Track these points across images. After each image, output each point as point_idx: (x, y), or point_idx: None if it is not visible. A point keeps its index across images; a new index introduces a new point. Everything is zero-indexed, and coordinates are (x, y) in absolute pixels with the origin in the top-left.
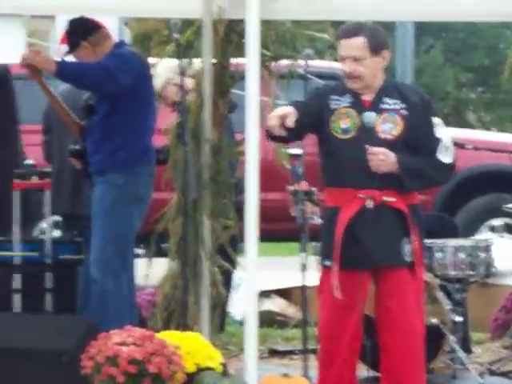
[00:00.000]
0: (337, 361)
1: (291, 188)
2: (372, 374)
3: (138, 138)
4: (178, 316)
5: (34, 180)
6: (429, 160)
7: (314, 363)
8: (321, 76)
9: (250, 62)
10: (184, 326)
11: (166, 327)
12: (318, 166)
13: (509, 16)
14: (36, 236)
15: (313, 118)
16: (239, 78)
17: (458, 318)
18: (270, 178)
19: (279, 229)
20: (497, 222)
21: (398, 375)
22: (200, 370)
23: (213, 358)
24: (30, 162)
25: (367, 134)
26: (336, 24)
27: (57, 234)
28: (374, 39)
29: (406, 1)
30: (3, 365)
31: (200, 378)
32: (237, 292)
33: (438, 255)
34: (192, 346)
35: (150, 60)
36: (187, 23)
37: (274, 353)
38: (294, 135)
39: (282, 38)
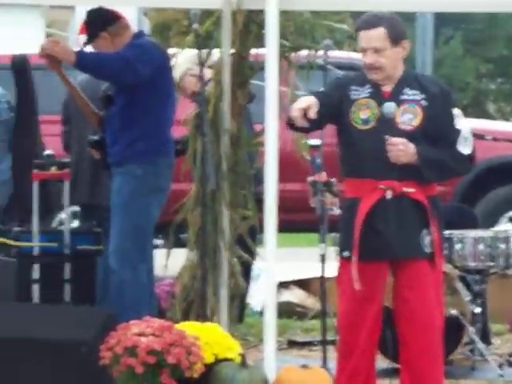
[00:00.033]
0: (355, 352)
1: (310, 179)
2: (391, 365)
3: (158, 128)
4: (197, 307)
5: (53, 170)
6: (448, 151)
7: (333, 354)
8: (340, 66)
9: (269, 52)
10: (203, 317)
11: (185, 318)
12: (337, 157)
13: None
14: (55, 227)
15: (333, 109)
16: (258, 68)
17: (478, 310)
18: (289, 168)
19: (298, 219)
20: None
21: (416, 367)
22: (218, 360)
23: (231, 348)
24: (48, 152)
25: (387, 125)
26: (355, 14)
27: (75, 224)
28: (393, 29)
29: None
30: (22, 355)
31: (218, 369)
32: (256, 283)
33: (458, 246)
34: (211, 337)
35: (170, 50)
36: (206, 13)
37: (292, 344)
38: (315, 126)
39: (301, 29)
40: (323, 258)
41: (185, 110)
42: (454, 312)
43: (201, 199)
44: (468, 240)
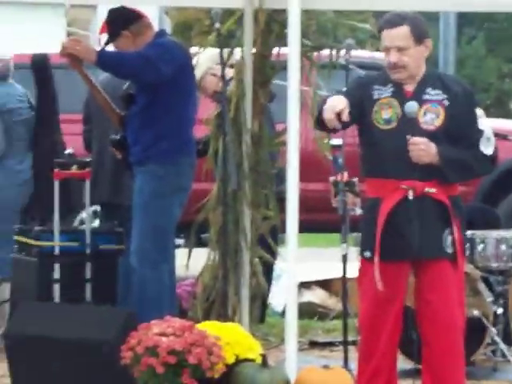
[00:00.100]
0: (377, 353)
1: (332, 178)
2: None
3: (180, 128)
4: (218, 307)
5: (74, 170)
6: (470, 151)
7: (354, 355)
8: (362, 66)
9: (291, 52)
10: (224, 317)
11: (206, 318)
12: (359, 157)
13: None
14: (76, 226)
15: (357, 109)
16: (280, 68)
17: (500, 310)
18: (311, 168)
19: (320, 219)
20: None
21: (438, 368)
22: (239, 361)
23: (253, 349)
24: (69, 151)
25: (409, 125)
26: (377, 14)
27: (96, 223)
28: (417, 28)
29: None
30: (43, 355)
31: (239, 370)
32: (277, 283)
33: (480, 247)
34: (232, 337)
35: (191, 50)
36: (228, 12)
37: (314, 344)
38: (345, 127)
39: (323, 28)
40: (345, 259)
41: (206, 109)
42: (476, 313)
43: (222, 199)
44: (490, 240)
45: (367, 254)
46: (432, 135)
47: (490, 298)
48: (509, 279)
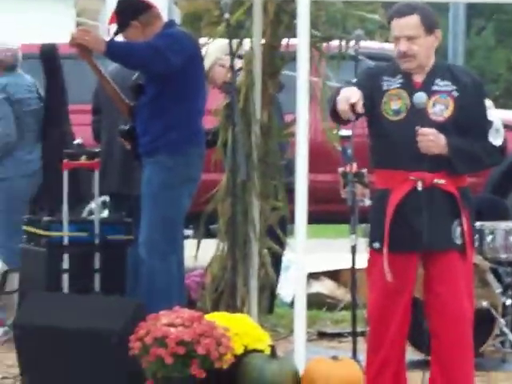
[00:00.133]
0: (385, 344)
1: (341, 169)
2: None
3: (189, 118)
4: (227, 297)
5: (83, 160)
6: (480, 142)
7: (363, 346)
8: (371, 57)
9: (301, 42)
10: (233, 308)
11: (215, 309)
12: (368, 148)
13: None
14: (85, 216)
15: (368, 101)
16: (289, 58)
17: (509, 302)
18: (320, 159)
19: (329, 210)
20: None
21: (447, 360)
22: (248, 351)
23: (261, 339)
24: (78, 141)
25: (418, 116)
26: (386, 4)
27: (105, 214)
28: (427, 18)
29: None
30: (52, 345)
31: (248, 360)
32: (286, 274)
33: (489, 238)
34: (240, 328)
35: (200, 40)
36: (238, 3)
37: (322, 335)
38: (357, 118)
39: (332, 19)
40: (354, 249)
41: (214, 100)
42: (484, 304)
43: (231, 189)
44: (499, 232)
45: (376, 244)
46: (441, 126)
47: (498, 289)
48: None
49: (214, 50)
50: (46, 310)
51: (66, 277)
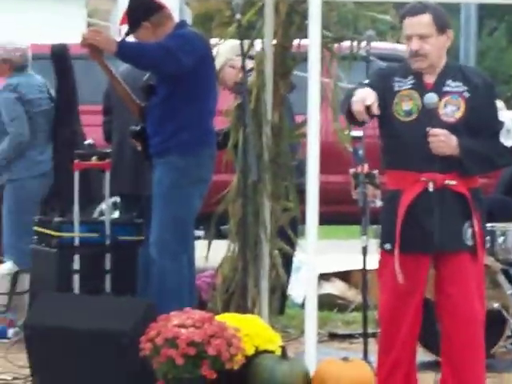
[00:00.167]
0: (396, 345)
1: (352, 170)
2: (434, 359)
3: (200, 119)
4: (238, 298)
5: (94, 161)
6: (491, 143)
7: (374, 347)
8: (382, 57)
9: (312, 43)
10: (243, 309)
11: (226, 309)
12: (379, 149)
13: None
14: (96, 217)
15: (381, 102)
16: (300, 59)
17: None
18: (331, 160)
19: (340, 211)
20: None
21: (458, 361)
22: (259, 352)
23: (272, 340)
24: (89, 142)
25: (429, 117)
26: (398, 5)
27: (116, 214)
28: (439, 18)
29: None
30: (63, 346)
31: (259, 361)
32: (297, 275)
33: (500, 239)
34: (251, 329)
35: (212, 41)
36: (249, 3)
37: (333, 336)
38: (371, 119)
39: (343, 19)
40: (365, 251)
41: (225, 100)
42: (496, 305)
43: (242, 190)
44: (511, 233)
45: (387, 246)
46: (452, 127)
47: (510, 291)
48: None
49: (224, 50)
50: (57, 310)
51: (76, 277)
